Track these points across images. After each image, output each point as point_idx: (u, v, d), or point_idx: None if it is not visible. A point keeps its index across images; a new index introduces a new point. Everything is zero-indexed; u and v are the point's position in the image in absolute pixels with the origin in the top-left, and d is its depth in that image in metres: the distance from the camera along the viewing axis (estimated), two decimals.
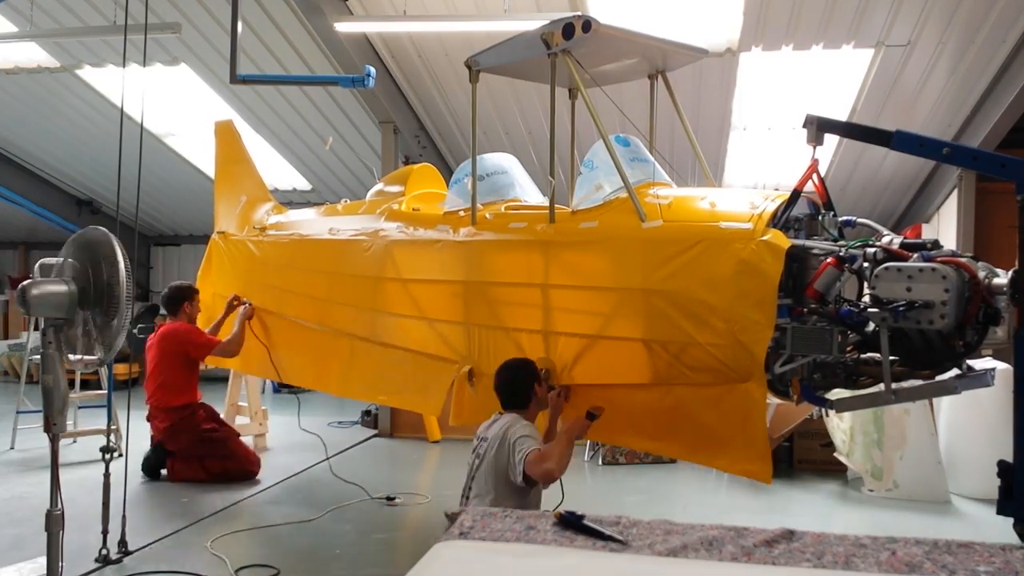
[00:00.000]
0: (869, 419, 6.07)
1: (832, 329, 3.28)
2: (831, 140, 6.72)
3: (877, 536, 2.02)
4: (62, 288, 3.70)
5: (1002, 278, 3.17)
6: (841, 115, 8.27)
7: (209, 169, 9.45)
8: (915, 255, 3.27)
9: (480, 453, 4.05)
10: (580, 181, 4.35)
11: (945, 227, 9.31)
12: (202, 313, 7.21)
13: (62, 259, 3.84)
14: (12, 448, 7.29)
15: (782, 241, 3.46)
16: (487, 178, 4.84)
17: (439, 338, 4.95)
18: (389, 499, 5.77)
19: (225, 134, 7.31)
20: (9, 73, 9.31)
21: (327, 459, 6.65)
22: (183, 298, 6.59)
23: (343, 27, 7.44)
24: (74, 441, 7.02)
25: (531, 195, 4.99)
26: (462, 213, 4.79)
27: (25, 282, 3.66)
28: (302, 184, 11.76)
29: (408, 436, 8.34)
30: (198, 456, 6.23)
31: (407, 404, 5.83)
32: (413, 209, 5.45)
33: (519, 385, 4.08)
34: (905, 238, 3.47)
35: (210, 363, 7.43)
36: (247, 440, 7.79)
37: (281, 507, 5.56)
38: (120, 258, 3.72)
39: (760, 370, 3.47)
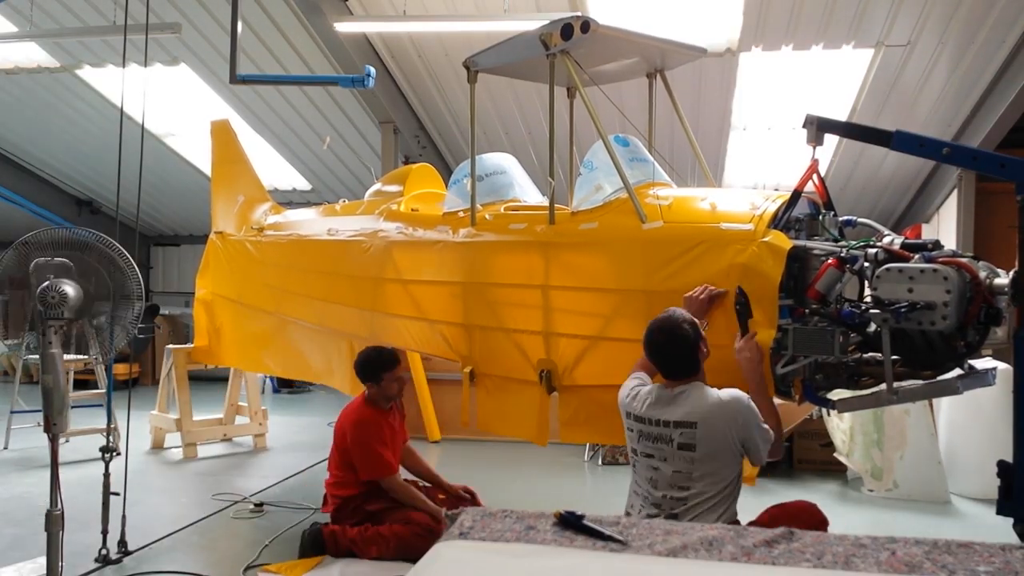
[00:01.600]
0: (869, 419, 6.07)
1: (834, 330, 3.27)
2: (831, 140, 6.71)
3: (877, 536, 2.02)
4: (76, 290, 3.71)
5: (1003, 278, 3.16)
6: (841, 115, 8.27)
7: (209, 169, 9.46)
8: (916, 256, 3.27)
9: (672, 439, 3.20)
10: (580, 182, 4.35)
11: (945, 227, 9.31)
12: (200, 313, 7.23)
13: (62, 259, 3.84)
14: (6, 448, 7.29)
15: (783, 242, 3.46)
16: (486, 178, 4.83)
17: (439, 339, 4.94)
18: (257, 506, 5.36)
19: (221, 134, 7.30)
20: (9, 73, 9.32)
21: None
22: (382, 367, 4.86)
23: (343, 27, 7.44)
24: (67, 440, 7.02)
25: (530, 195, 4.99)
26: (461, 214, 4.79)
27: (45, 284, 3.65)
28: (302, 184, 11.76)
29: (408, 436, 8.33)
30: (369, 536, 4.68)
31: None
32: (412, 209, 5.45)
33: (687, 346, 3.25)
34: (905, 238, 3.47)
35: (209, 362, 7.45)
36: (247, 440, 7.81)
37: (281, 507, 5.55)
38: (132, 262, 3.74)
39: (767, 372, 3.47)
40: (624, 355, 3.95)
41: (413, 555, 4.19)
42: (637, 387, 3.43)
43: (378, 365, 4.82)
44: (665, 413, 3.24)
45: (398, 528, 4.62)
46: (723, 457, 3.20)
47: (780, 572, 1.83)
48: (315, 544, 4.62)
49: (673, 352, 3.28)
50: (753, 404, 3.21)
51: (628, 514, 3.40)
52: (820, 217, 3.70)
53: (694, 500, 3.21)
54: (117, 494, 4.34)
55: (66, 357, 3.83)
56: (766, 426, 3.24)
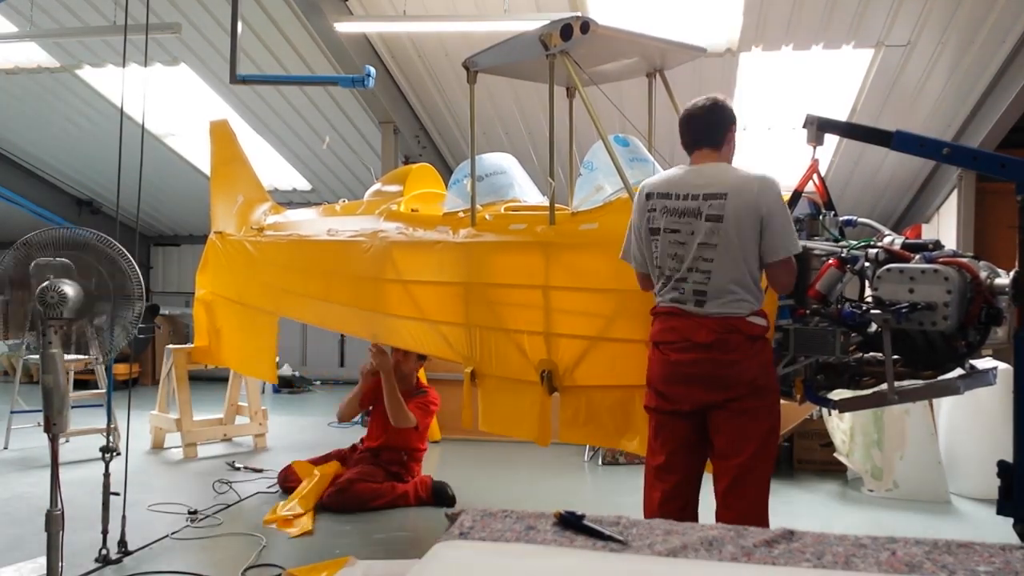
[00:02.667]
0: (869, 419, 6.07)
1: (835, 330, 3.28)
2: (831, 140, 6.71)
3: (877, 536, 2.02)
4: (76, 290, 3.71)
5: (1004, 278, 3.17)
6: (841, 115, 8.27)
7: (209, 169, 9.46)
8: (917, 256, 3.27)
9: (701, 211, 3.17)
10: (580, 182, 4.35)
11: (945, 227, 9.31)
12: (200, 313, 7.23)
13: (62, 259, 3.84)
14: (6, 448, 7.29)
15: None
16: (486, 178, 4.84)
17: (440, 339, 4.95)
18: (191, 513, 5.24)
19: (220, 134, 7.29)
20: (9, 73, 9.32)
21: None
22: None
23: (343, 27, 7.45)
24: (67, 440, 7.01)
25: (530, 195, 4.99)
26: (461, 214, 4.79)
27: (45, 284, 3.65)
28: (302, 184, 11.77)
29: None
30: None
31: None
32: (412, 210, 5.45)
33: (726, 116, 3.37)
34: (906, 238, 3.47)
35: (207, 362, 7.45)
36: (247, 440, 7.80)
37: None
38: (132, 262, 3.74)
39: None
40: (625, 356, 3.95)
41: (335, 505, 5.35)
42: (664, 172, 3.44)
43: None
44: (694, 187, 3.22)
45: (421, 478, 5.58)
46: (746, 234, 3.13)
47: (780, 572, 1.83)
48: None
49: (712, 118, 3.35)
50: (782, 199, 3.23)
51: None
52: (820, 217, 3.70)
53: (718, 278, 3.14)
54: (117, 494, 4.34)
55: (66, 357, 3.82)
56: (794, 232, 3.20)
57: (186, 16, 7.96)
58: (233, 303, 6.84)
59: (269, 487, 6.06)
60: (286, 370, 11.72)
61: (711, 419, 3.28)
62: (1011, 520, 3.00)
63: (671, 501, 3.34)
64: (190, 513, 5.20)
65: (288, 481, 5.87)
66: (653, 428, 3.44)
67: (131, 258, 3.83)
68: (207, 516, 5.16)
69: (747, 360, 3.19)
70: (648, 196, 3.36)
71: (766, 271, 3.22)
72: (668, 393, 3.33)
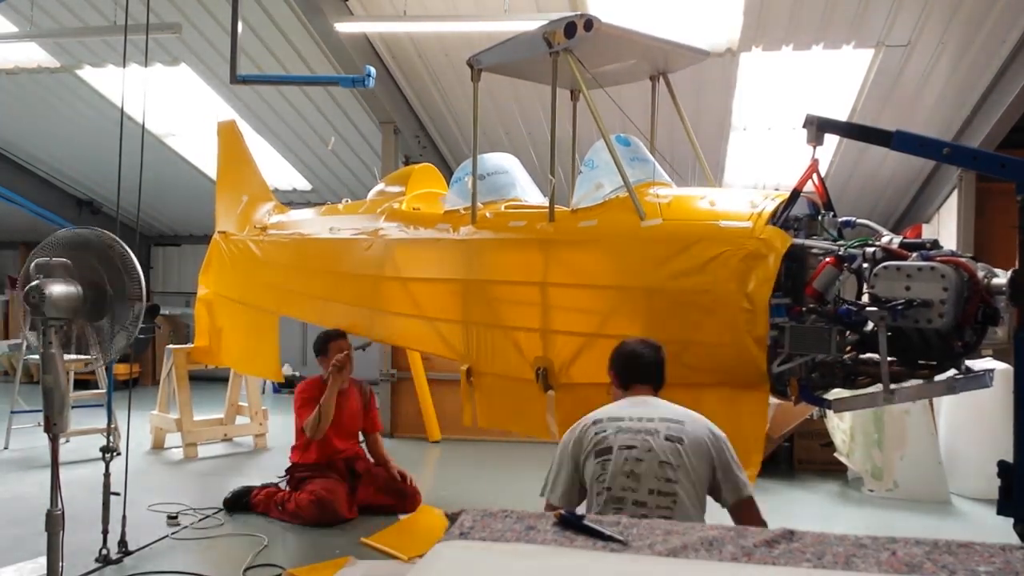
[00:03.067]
0: (869, 419, 6.07)
1: (831, 328, 3.28)
2: (831, 140, 6.71)
3: (877, 536, 2.02)
4: (72, 289, 3.71)
5: (1001, 278, 3.17)
6: (841, 115, 8.27)
7: (210, 169, 9.47)
8: (914, 254, 3.28)
9: (658, 431, 3.03)
10: (580, 180, 4.35)
11: (945, 227, 9.31)
12: (202, 313, 7.23)
13: (61, 259, 3.83)
14: (6, 448, 7.29)
15: (780, 241, 3.47)
16: (487, 177, 4.84)
17: (439, 337, 4.95)
18: (171, 517, 5.20)
19: (228, 134, 7.31)
20: (9, 73, 9.32)
21: None
22: (328, 339, 5.63)
23: (343, 27, 7.44)
24: (67, 440, 7.02)
25: (531, 195, 4.99)
26: (462, 211, 4.79)
27: (35, 282, 3.65)
28: (302, 184, 11.76)
29: (408, 436, 8.34)
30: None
31: None
32: (413, 208, 5.46)
33: (662, 367, 3.32)
34: (905, 238, 3.47)
35: (208, 362, 7.45)
36: (247, 440, 7.81)
37: None
38: (135, 261, 3.73)
39: (762, 370, 3.47)
40: None
41: (307, 519, 5.13)
42: (595, 412, 3.22)
43: (324, 338, 5.62)
44: (645, 412, 3.11)
45: (299, 494, 5.26)
46: (703, 463, 3.00)
47: (780, 572, 1.83)
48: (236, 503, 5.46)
49: (658, 362, 3.30)
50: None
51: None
52: (819, 217, 3.70)
53: (684, 504, 2.95)
54: (117, 494, 4.34)
55: (67, 357, 3.82)
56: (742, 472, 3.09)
57: (186, 16, 7.96)
58: (235, 303, 6.84)
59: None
60: (287, 370, 11.71)
61: None
62: (1011, 520, 3.00)
63: None
64: (170, 518, 5.17)
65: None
66: None
67: (133, 257, 3.83)
68: (192, 524, 5.15)
69: None
70: (595, 422, 3.14)
71: (731, 511, 3.08)
72: None
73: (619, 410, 3.16)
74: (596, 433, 3.10)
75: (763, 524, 2.96)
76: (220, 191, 7.26)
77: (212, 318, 7.11)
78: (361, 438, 5.82)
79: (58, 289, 3.64)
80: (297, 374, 12.17)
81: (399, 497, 5.50)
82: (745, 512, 3.03)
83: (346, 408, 5.58)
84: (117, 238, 3.86)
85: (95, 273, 3.78)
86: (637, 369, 3.29)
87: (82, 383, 8.41)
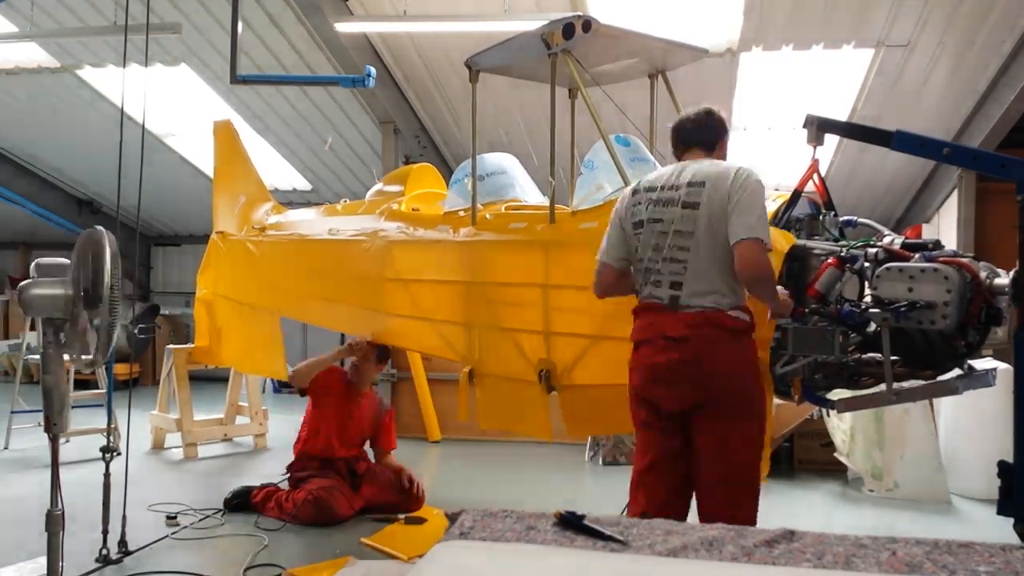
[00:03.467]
0: (869, 419, 6.07)
1: (834, 329, 3.28)
2: (831, 140, 6.71)
3: (877, 536, 2.02)
4: (58, 289, 3.69)
5: (1004, 278, 3.16)
6: (841, 115, 8.27)
7: (209, 169, 9.46)
8: (917, 255, 3.27)
9: (679, 198, 3.15)
10: (580, 181, 4.35)
11: (945, 227, 9.31)
12: (201, 313, 7.23)
13: (63, 259, 3.83)
14: (6, 448, 7.29)
15: (782, 242, 3.46)
16: (487, 178, 4.84)
17: (439, 338, 4.95)
18: (170, 518, 5.18)
19: (224, 134, 7.31)
20: (9, 73, 9.32)
21: None
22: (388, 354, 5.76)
23: (343, 27, 7.44)
24: (67, 440, 7.02)
25: (531, 195, 4.99)
26: (462, 213, 4.79)
27: (23, 282, 3.65)
28: (302, 184, 11.77)
29: (408, 436, 8.33)
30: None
31: None
32: (413, 209, 5.46)
33: (718, 121, 3.41)
34: (906, 238, 3.47)
35: (208, 362, 7.45)
36: (247, 440, 7.81)
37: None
38: (107, 256, 3.65)
39: (764, 370, 3.47)
40: (623, 354, 3.95)
41: (304, 519, 5.09)
42: (640, 180, 3.41)
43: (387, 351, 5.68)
44: (679, 177, 3.22)
45: (297, 493, 5.24)
46: (720, 222, 3.07)
47: (781, 572, 1.83)
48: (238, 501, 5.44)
49: (708, 122, 3.39)
50: (762, 184, 3.14)
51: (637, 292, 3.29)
52: (820, 217, 3.70)
53: (694, 268, 3.09)
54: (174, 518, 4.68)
55: (66, 357, 3.82)
56: (767, 226, 3.08)
57: (187, 16, 7.96)
58: (234, 303, 6.84)
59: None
60: (287, 370, 11.71)
61: (692, 422, 3.16)
62: (1011, 520, 2.99)
63: (655, 513, 3.01)
64: (169, 518, 5.15)
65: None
66: (639, 436, 3.36)
67: (116, 253, 3.78)
68: (192, 523, 5.13)
69: (725, 356, 3.08)
70: (635, 192, 3.35)
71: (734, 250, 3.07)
72: (648, 397, 3.23)
73: (658, 176, 3.32)
74: (633, 205, 3.32)
75: (750, 278, 3.04)
76: (217, 191, 7.26)
77: (212, 318, 7.11)
78: (370, 454, 5.73)
79: (47, 290, 3.62)
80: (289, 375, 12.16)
81: (402, 495, 5.43)
82: (738, 251, 3.03)
83: (355, 413, 5.51)
84: (106, 231, 3.84)
85: (84, 271, 3.76)
86: (680, 135, 3.43)
87: (82, 383, 8.41)
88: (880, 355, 3.28)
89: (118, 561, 4.38)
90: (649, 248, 3.22)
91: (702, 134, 3.38)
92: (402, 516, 5.30)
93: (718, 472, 3.12)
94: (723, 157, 3.42)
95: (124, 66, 5.52)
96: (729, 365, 3.09)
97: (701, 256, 3.10)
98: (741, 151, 9.33)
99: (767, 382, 3.35)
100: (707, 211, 3.09)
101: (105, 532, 4.34)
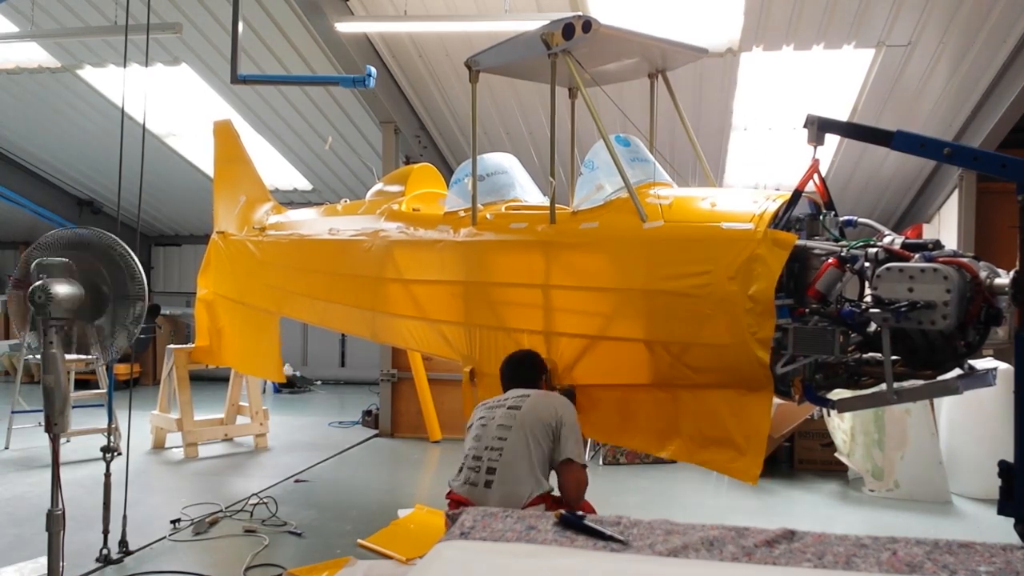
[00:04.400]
0: (870, 419, 6.06)
1: (834, 329, 3.28)
2: (832, 140, 6.71)
3: (878, 536, 2.02)
4: (76, 290, 3.71)
5: (1003, 278, 3.16)
6: (842, 115, 8.26)
7: (210, 169, 9.47)
8: (917, 255, 3.27)
9: (505, 403, 3.79)
10: (581, 181, 4.35)
11: (946, 227, 9.30)
12: (202, 313, 7.23)
13: (61, 259, 3.83)
14: (7, 448, 7.29)
15: (783, 243, 3.46)
16: (487, 178, 4.84)
17: (440, 338, 4.95)
18: (174, 522, 5.08)
19: (224, 134, 7.31)
20: (10, 73, 9.32)
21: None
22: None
23: (344, 27, 7.44)
24: (68, 440, 7.02)
25: (531, 195, 4.99)
26: (462, 213, 4.79)
27: (38, 282, 3.65)
28: (303, 184, 11.77)
29: (409, 436, 8.34)
30: None
31: None
32: (413, 209, 5.46)
33: (535, 365, 4.06)
34: (906, 238, 3.46)
35: (208, 362, 7.46)
36: (248, 440, 7.81)
37: (282, 507, 5.55)
38: (137, 263, 3.73)
39: (765, 371, 3.47)
40: (623, 354, 3.96)
41: None
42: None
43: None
44: (506, 397, 3.82)
45: None
46: (538, 428, 3.59)
47: (781, 572, 1.83)
48: None
49: (527, 366, 4.04)
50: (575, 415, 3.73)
51: (451, 489, 3.72)
52: (821, 217, 3.70)
53: (508, 456, 3.53)
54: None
55: (67, 357, 3.83)
56: (580, 446, 3.65)
57: (187, 16, 7.96)
58: (235, 303, 6.84)
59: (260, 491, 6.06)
60: (287, 370, 11.73)
61: None
62: (1012, 520, 2.99)
63: None
64: (173, 523, 5.11)
65: None
66: None
67: (135, 258, 3.83)
68: (192, 523, 5.13)
69: None
70: (478, 407, 3.90)
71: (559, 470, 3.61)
72: None
73: (495, 399, 3.92)
74: (476, 422, 3.83)
75: (577, 489, 3.61)
76: (217, 191, 7.26)
77: (212, 318, 7.11)
78: None
79: (63, 289, 3.64)
80: (298, 374, 12.19)
81: None
82: (562, 472, 3.62)
83: None
84: (118, 239, 3.86)
85: (96, 273, 3.78)
86: (512, 376, 4.03)
87: (82, 383, 8.41)
88: (880, 355, 3.28)
89: (118, 561, 4.38)
90: (472, 440, 3.78)
91: (524, 378, 3.99)
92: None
93: None
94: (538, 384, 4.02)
95: (125, 66, 5.53)
96: None
97: (517, 448, 3.59)
98: (741, 151, 9.36)
99: None
100: (529, 414, 3.66)
101: (105, 532, 4.35)
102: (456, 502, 3.63)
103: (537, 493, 3.50)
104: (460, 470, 3.72)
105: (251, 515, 5.15)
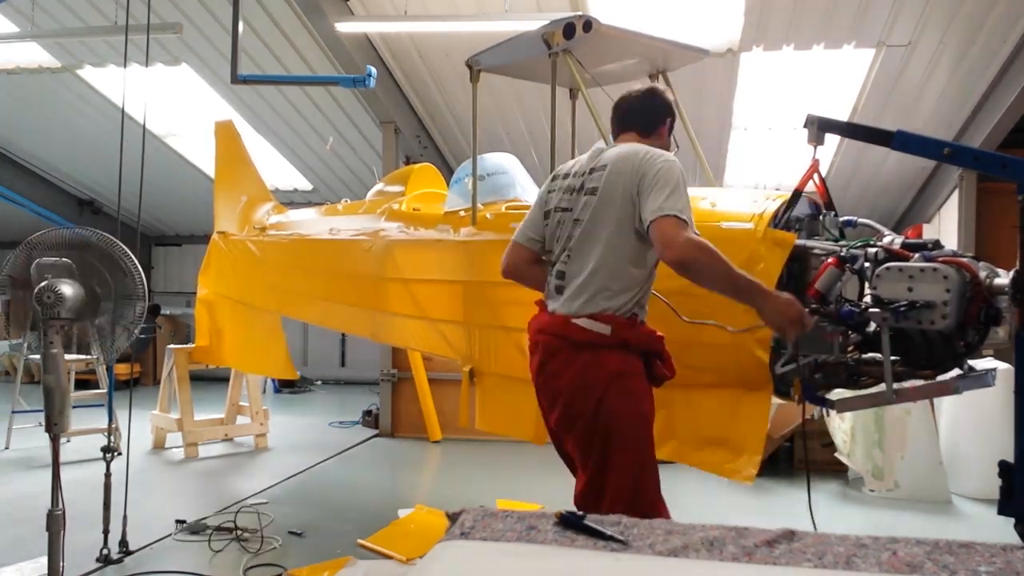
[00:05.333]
0: (870, 419, 6.06)
1: (834, 329, 3.27)
2: (832, 140, 6.71)
3: (878, 536, 2.02)
4: (80, 290, 3.71)
5: (1003, 278, 3.16)
6: (842, 115, 8.27)
7: (210, 169, 9.47)
8: (916, 255, 3.27)
9: (584, 185, 2.92)
10: None
11: (946, 227, 9.30)
12: (202, 313, 7.23)
13: (62, 259, 3.84)
14: (7, 448, 7.29)
15: (783, 242, 3.46)
16: (488, 178, 4.84)
17: (440, 338, 4.95)
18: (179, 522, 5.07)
19: (225, 134, 7.32)
20: (10, 73, 9.32)
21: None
22: None
23: (344, 27, 7.45)
24: (68, 440, 7.02)
25: (532, 194, 4.98)
26: (462, 213, 4.79)
27: (42, 284, 3.65)
28: (303, 184, 11.77)
29: (409, 436, 8.34)
30: None
31: None
32: (413, 209, 5.46)
33: (656, 104, 3.12)
34: (906, 238, 3.46)
35: (209, 362, 7.46)
36: (248, 440, 7.81)
37: (282, 507, 5.56)
38: (135, 263, 3.74)
39: (764, 371, 3.47)
40: None
41: None
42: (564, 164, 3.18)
43: None
44: (591, 163, 2.98)
45: None
46: (620, 208, 2.79)
47: (781, 572, 1.83)
48: None
49: (645, 103, 3.10)
50: (676, 165, 2.81)
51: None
52: (821, 217, 3.70)
53: (575, 264, 2.86)
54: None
55: (68, 357, 3.83)
56: (686, 205, 2.73)
57: (187, 16, 7.97)
58: (235, 303, 6.84)
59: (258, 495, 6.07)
60: None
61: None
62: (1012, 520, 2.99)
63: None
64: (178, 522, 5.10)
65: None
66: None
67: (133, 258, 3.83)
68: (197, 522, 5.14)
69: (566, 371, 2.83)
70: (554, 177, 3.16)
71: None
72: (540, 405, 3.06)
73: (576, 161, 3.11)
74: (548, 191, 3.14)
75: (670, 259, 2.69)
76: (218, 191, 7.27)
77: (213, 318, 7.12)
78: None
79: (69, 290, 3.65)
80: (298, 374, 12.19)
81: None
82: (652, 235, 2.71)
83: None
84: (116, 240, 3.86)
85: (96, 273, 3.79)
86: (616, 115, 3.17)
87: (83, 383, 8.41)
88: (880, 355, 3.28)
89: (119, 561, 4.38)
90: (554, 240, 3.01)
91: (640, 115, 3.10)
92: None
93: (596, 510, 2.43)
94: (664, 145, 3.10)
95: (125, 66, 5.53)
96: (570, 381, 2.82)
97: (584, 249, 2.83)
98: (741, 151, 9.36)
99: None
100: (604, 198, 2.83)
101: (106, 532, 4.35)
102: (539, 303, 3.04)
103: (608, 309, 2.80)
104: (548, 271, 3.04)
105: (259, 516, 5.15)
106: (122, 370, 10.46)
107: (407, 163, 9.10)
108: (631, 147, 2.94)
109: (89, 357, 3.93)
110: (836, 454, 6.39)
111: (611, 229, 2.83)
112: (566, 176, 3.10)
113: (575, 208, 2.96)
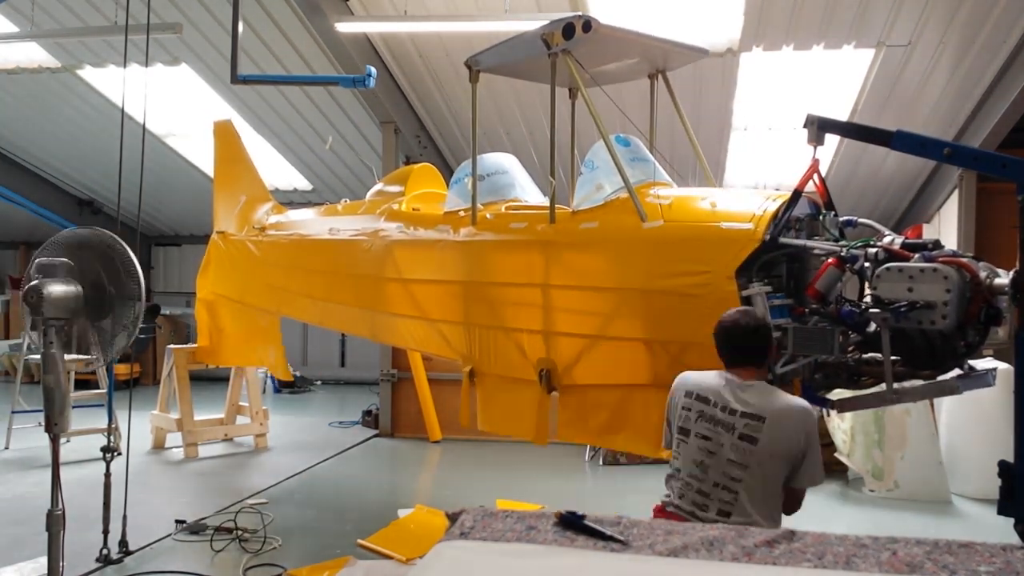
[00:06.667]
0: (870, 419, 6.06)
1: (833, 329, 3.27)
2: (832, 140, 6.70)
3: (878, 536, 2.02)
4: (73, 289, 3.71)
5: (1003, 278, 3.16)
6: (842, 115, 8.26)
7: (210, 169, 9.47)
8: (916, 255, 3.27)
9: (735, 427, 3.01)
10: (581, 181, 4.35)
11: (946, 227, 9.30)
12: (202, 313, 7.23)
13: (62, 259, 3.83)
14: (7, 448, 7.29)
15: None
16: (487, 178, 4.84)
17: (440, 338, 4.95)
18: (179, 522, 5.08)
19: (224, 134, 7.32)
20: (10, 73, 9.32)
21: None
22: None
23: (344, 27, 7.44)
24: (67, 440, 7.02)
25: (531, 195, 4.99)
26: (462, 213, 4.79)
27: (35, 282, 3.65)
28: (302, 184, 11.77)
29: (409, 436, 8.34)
30: None
31: None
32: (413, 209, 5.46)
33: (766, 338, 3.19)
34: (906, 238, 3.46)
35: (209, 362, 7.46)
36: (248, 440, 7.81)
37: (282, 507, 5.56)
38: (135, 262, 3.73)
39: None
40: (623, 354, 3.96)
41: None
42: (704, 374, 3.23)
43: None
44: (732, 401, 3.06)
45: None
46: (779, 463, 3.02)
47: (781, 572, 1.83)
48: None
49: (755, 341, 3.14)
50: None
51: (666, 501, 3.18)
52: (821, 217, 3.70)
53: (744, 502, 2.99)
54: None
55: (68, 357, 3.82)
56: (820, 469, 3.13)
57: (187, 16, 7.96)
58: (235, 303, 6.84)
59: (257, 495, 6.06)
60: None
61: None
62: (1012, 520, 2.99)
63: None
64: (178, 522, 5.10)
65: None
66: None
67: (132, 257, 3.83)
68: (197, 522, 5.13)
69: None
70: (687, 394, 3.19)
71: (785, 492, 3.12)
72: None
73: (711, 389, 3.13)
74: (683, 408, 3.17)
75: (792, 512, 3.18)
76: (217, 191, 7.27)
77: (212, 318, 7.12)
78: None
79: (57, 289, 3.63)
80: (298, 374, 12.19)
81: None
82: (794, 494, 3.19)
83: None
84: (116, 237, 3.86)
85: (95, 273, 3.78)
86: (733, 351, 3.17)
87: (82, 383, 8.41)
88: (880, 355, 3.28)
89: (119, 561, 4.38)
90: (691, 463, 3.09)
91: (754, 353, 3.16)
92: None
93: None
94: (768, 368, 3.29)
95: (125, 66, 5.52)
96: None
97: (754, 491, 3.01)
98: (741, 151, 9.36)
99: None
100: (768, 450, 2.98)
101: (105, 532, 4.35)
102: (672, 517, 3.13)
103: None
104: (678, 487, 3.14)
105: (260, 516, 5.15)
106: (122, 370, 10.45)
107: (407, 163, 9.09)
108: (783, 401, 3.07)
109: (89, 357, 3.91)
110: (836, 454, 6.39)
111: (771, 476, 3.09)
112: (701, 399, 3.14)
113: (724, 445, 3.05)
